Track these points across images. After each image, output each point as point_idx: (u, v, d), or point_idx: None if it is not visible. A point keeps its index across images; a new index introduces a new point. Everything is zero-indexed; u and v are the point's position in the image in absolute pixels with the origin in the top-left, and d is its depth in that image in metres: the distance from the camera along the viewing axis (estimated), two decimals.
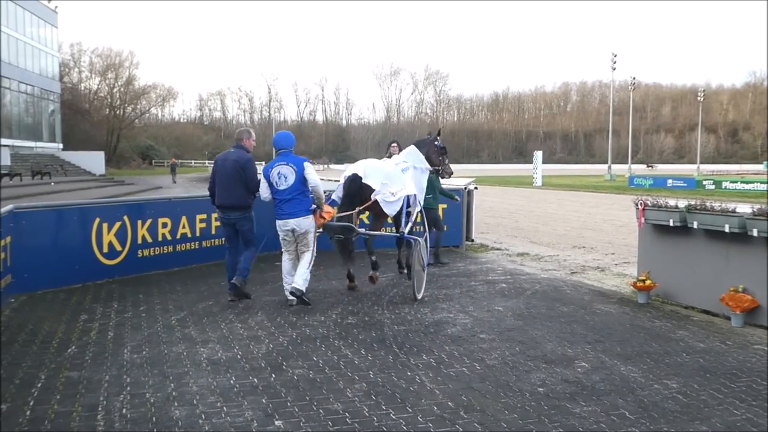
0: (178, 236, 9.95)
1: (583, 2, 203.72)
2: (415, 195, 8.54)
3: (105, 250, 8.93)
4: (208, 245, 10.42)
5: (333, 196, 8.46)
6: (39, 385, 4.90)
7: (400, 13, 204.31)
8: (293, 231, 7.53)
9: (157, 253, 9.65)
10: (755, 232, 6.46)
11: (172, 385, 4.93)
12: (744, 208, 6.89)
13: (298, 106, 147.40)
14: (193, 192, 33.53)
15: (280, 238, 7.68)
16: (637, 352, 5.78)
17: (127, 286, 8.63)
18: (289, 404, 4.54)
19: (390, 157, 11.33)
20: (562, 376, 5.15)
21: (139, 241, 9.39)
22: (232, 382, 5.01)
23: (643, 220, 7.86)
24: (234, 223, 7.79)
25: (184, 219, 10.03)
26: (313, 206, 7.60)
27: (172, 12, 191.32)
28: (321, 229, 7.86)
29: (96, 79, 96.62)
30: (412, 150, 9.21)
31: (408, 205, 8.42)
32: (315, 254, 7.65)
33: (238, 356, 5.66)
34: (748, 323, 6.63)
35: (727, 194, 33.93)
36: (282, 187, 7.46)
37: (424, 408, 4.47)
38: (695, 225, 7.17)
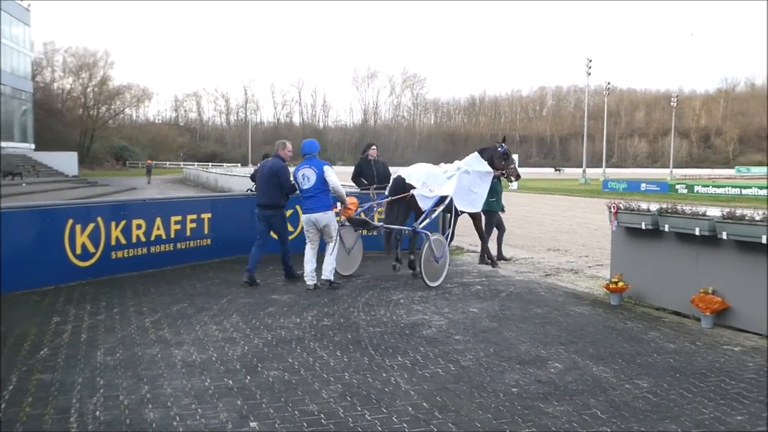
0: (153, 238, 9.88)
1: (559, 7, 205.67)
2: (450, 197, 9.48)
3: (78, 251, 8.84)
4: (183, 247, 10.36)
5: (386, 191, 9.93)
6: (11, 387, 4.85)
7: (378, 16, 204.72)
8: (315, 224, 8.62)
9: (131, 255, 9.57)
10: (725, 235, 6.58)
11: (147, 387, 4.90)
12: (714, 212, 7.02)
13: (275, 108, 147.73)
14: (168, 193, 33.31)
15: (305, 230, 8.83)
16: (609, 353, 5.86)
17: (101, 288, 8.55)
18: (264, 405, 4.55)
19: (367, 158, 11.50)
20: (535, 376, 5.21)
21: (113, 242, 9.31)
22: (206, 384, 4.99)
23: (616, 222, 7.98)
24: (268, 218, 9.03)
25: (158, 221, 9.95)
26: (338, 203, 9.02)
27: (148, 12, 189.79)
28: (346, 221, 9.26)
29: (69, 79, 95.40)
30: (474, 156, 10.27)
31: (436, 204, 9.49)
32: (338, 243, 8.86)
33: (213, 358, 5.65)
34: (718, 324, 6.75)
35: (699, 198, 34.43)
36: (306, 186, 8.62)
37: (399, 409, 4.50)
38: (667, 228, 7.29)
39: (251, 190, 14.07)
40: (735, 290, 6.63)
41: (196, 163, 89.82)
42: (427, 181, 9.54)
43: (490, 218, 11.09)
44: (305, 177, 8.61)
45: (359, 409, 4.50)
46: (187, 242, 10.44)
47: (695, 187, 42.50)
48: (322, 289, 8.56)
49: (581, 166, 69.86)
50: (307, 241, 8.83)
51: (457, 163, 10.23)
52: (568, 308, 7.70)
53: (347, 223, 9.41)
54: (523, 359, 5.67)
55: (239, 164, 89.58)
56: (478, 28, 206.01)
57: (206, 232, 10.74)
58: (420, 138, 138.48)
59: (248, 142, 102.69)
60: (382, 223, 9.63)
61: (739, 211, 6.69)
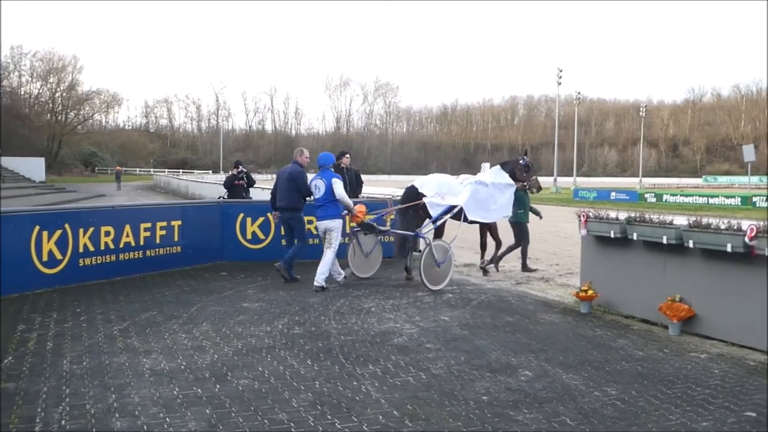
0: (122, 245, 9.77)
1: (530, 17, 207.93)
2: (460, 207, 9.88)
3: (45, 258, 8.71)
4: (153, 254, 10.26)
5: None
6: None
7: (351, 24, 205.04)
8: (324, 230, 9.31)
9: (99, 262, 9.45)
10: (691, 244, 6.68)
11: (114, 396, 4.83)
12: (681, 220, 7.13)
13: (247, 115, 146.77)
14: (138, 200, 32.96)
15: (320, 234, 9.57)
16: (578, 361, 5.91)
17: (68, 295, 8.43)
18: (233, 415, 4.51)
19: (339, 166, 11.55)
20: (505, 384, 5.23)
21: (81, 249, 9.19)
22: (175, 392, 4.94)
23: (585, 230, 8.07)
24: (287, 220, 9.74)
25: (127, 227, 9.84)
26: (345, 211, 9.53)
27: (118, 16, 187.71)
28: (358, 227, 9.85)
29: (37, 83, 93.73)
30: (496, 169, 10.81)
31: (445, 212, 9.94)
32: (336, 251, 9.35)
33: (182, 367, 5.59)
34: (685, 332, 6.84)
35: (667, 207, 34.90)
36: (317, 196, 9.34)
37: (369, 417, 4.49)
38: (635, 236, 7.38)
39: (223, 197, 14.03)
40: (701, 298, 6.73)
41: (166, 170, 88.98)
42: (441, 190, 10.06)
43: (519, 229, 11.45)
44: (317, 187, 9.32)
45: (329, 417, 4.48)
46: (157, 249, 10.34)
47: (664, 196, 43.10)
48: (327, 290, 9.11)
49: (552, 175, 70.47)
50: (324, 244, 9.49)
51: (478, 175, 10.72)
52: (538, 316, 7.75)
53: (357, 228, 9.97)
54: (493, 367, 5.69)
55: (210, 171, 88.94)
56: (450, 37, 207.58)
57: (176, 239, 10.65)
58: (392, 146, 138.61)
59: (220, 149, 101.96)
60: (388, 227, 10.23)
61: (705, 220, 6.80)
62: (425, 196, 9.90)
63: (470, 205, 10.00)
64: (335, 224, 9.31)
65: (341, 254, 9.79)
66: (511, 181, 10.59)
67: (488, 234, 11.11)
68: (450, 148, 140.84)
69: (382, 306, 8.18)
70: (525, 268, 11.64)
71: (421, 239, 10.15)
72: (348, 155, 12.13)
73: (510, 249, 11.52)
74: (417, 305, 8.28)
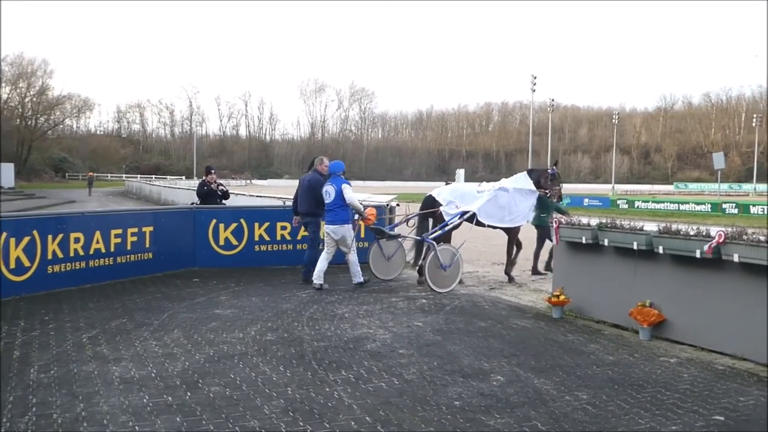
0: (92, 252, 9.64)
1: (504, 24, 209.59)
2: (474, 213, 10.32)
3: (12, 265, 8.56)
4: (124, 261, 10.14)
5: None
6: None
7: (326, 29, 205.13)
8: (332, 234, 9.72)
9: (68, 269, 9.31)
10: (661, 249, 6.76)
11: (82, 404, 4.76)
12: (651, 227, 7.21)
13: (221, 121, 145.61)
14: (109, 206, 32.59)
15: (325, 238, 9.98)
16: (550, 365, 5.94)
17: (36, 303, 8.30)
18: (204, 422, 4.46)
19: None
20: (477, 389, 5.25)
21: (50, 256, 9.05)
22: (145, 400, 4.88)
23: (557, 237, 8.14)
24: (306, 225, 10.42)
25: (98, 234, 9.71)
26: (356, 215, 10.00)
27: (89, 19, 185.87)
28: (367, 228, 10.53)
29: (6, 88, 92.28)
30: (521, 175, 11.29)
31: (457, 217, 10.42)
32: (355, 252, 10.04)
33: (152, 374, 5.52)
34: (655, 336, 6.91)
35: (639, 213, 35.32)
36: (327, 201, 9.75)
37: (341, 423, 4.47)
38: (606, 242, 7.45)
39: (195, 203, 13.92)
40: (671, 303, 6.81)
41: (139, 176, 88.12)
42: (455, 199, 10.59)
43: (542, 232, 11.59)
44: (327, 193, 9.76)
45: (301, 424, 4.46)
46: (128, 256, 10.22)
47: (636, 202, 43.68)
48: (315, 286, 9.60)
49: None
50: (324, 246, 9.96)
51: (502, 181, 11.11)
52: (511, 321, 7.79)
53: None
54: (466, 372, 5.70)
55: (184, 177, 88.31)
56: (425, 43, 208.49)
57: (148, 245, 10.54)
58: (367, 152, 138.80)
59: (193, 154, 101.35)
60: (398, 233, 10.65)
61: (674, 226, 6.89)
62: (440, 202, 10.50)
63: (487, 211, 10.40)
64: (344, 230, 9.69)
65: (362, 258, 10.35)
66: (534, 188, 10.91)
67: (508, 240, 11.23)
68: (425, 154, 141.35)
69: (355, 312, 8.17)
70: (534, 271, 11.83)
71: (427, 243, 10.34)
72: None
73: (536, 253, 11.79)
74: (390, 311, 8.27)
